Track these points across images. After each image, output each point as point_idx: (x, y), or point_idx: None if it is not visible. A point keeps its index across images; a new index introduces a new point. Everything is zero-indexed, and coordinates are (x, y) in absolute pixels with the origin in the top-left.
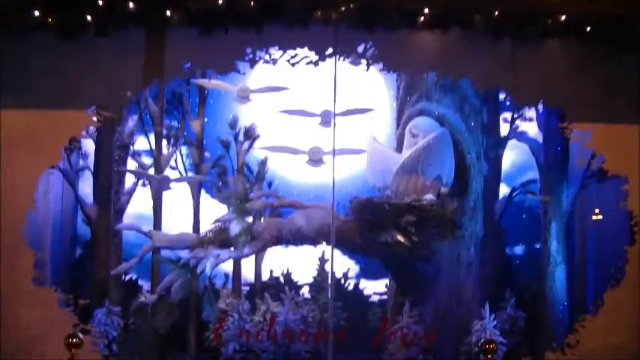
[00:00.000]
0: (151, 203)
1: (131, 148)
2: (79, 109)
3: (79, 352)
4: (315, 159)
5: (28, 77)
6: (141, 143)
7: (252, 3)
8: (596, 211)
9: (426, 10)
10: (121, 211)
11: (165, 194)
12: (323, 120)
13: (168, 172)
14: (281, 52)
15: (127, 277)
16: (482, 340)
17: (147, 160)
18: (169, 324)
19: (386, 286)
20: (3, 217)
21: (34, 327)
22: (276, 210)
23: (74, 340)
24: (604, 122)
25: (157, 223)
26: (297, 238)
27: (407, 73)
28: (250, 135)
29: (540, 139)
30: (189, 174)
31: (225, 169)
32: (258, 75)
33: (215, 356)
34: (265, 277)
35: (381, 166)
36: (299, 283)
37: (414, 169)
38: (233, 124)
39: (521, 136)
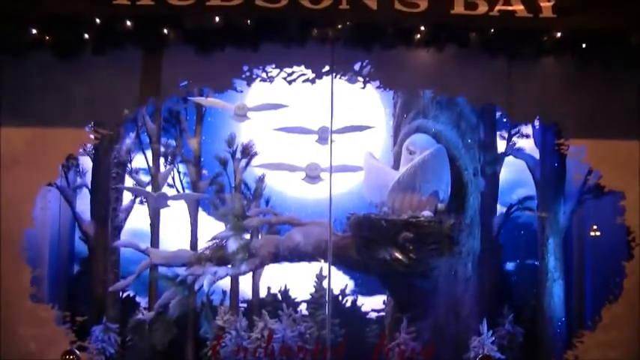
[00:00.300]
0: (148, 221)
1: (128, 165)
2: (77, 126)
3: None
4: (313, 175)
5: (25, 95)
6: (138, 161)
7: (248, 21)
8: (594, 227)
9: (422, 28)
10: (118, 228)
11: (163, 212)
12: (320, 137)
13: (165, 190)
14: (278, 70)
15: (125, 294)
16: (480, 356)
17: (144, 178)
18: (167, 341)
19: (384, 302)
20: (3, 235)
21: (31, 344)
22: (273, 227)
23: (71, 356)
24: (600, 138)
25: (155, 240)
26: (294, 254)
27: (403, 90)
28: (248, 152)
29: (537, 156)
30: (187, 191)
31: (222, 187)
32: (255, 93)
33: None
34: (263, 294)
35: (377, 182)
36: (297, 300)
37: (410, 185)
38: (230, 142)
39: (518, 153)
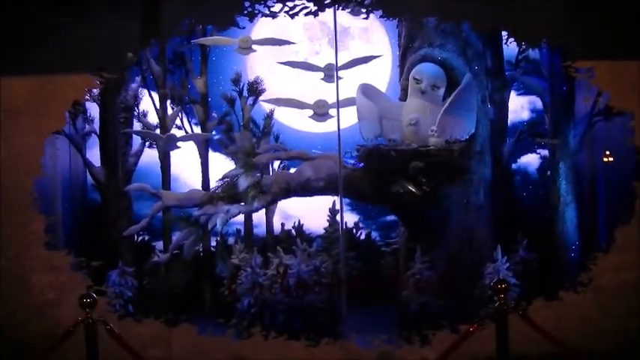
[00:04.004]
0: (158, 163)
1: (136, 109)
2: (80, 72)
3: (95, 313)
4: (321, 112)
5: (24, 44)
6: (145, 104)
7: None
8: (607, 152)
9: None
10: (129, 173)
11: (173, 154)
12: (326, 74)
13: (174, 132)
14: (280, 4)
15: (139, 238)
16: (494, 281)
17: (152, 121)
18: (184, 282)
19: (397, 233)
20: (12, 185)
21: (48, 292)
22: (283, 163)
23: (88, 300)
24: (608, 59)
25: (166, 182)
26: (306, 189)
27: (406, 18)
28: (255, 90)
29: (545, 80)
30: (196, 132)
31: (231, 126)
32: (259, 30)
33: (231, 311)
34: (277, 230)
35: (368, 117)
36: (311, 235)
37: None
38: (237, 80)
39: (526, 78)
